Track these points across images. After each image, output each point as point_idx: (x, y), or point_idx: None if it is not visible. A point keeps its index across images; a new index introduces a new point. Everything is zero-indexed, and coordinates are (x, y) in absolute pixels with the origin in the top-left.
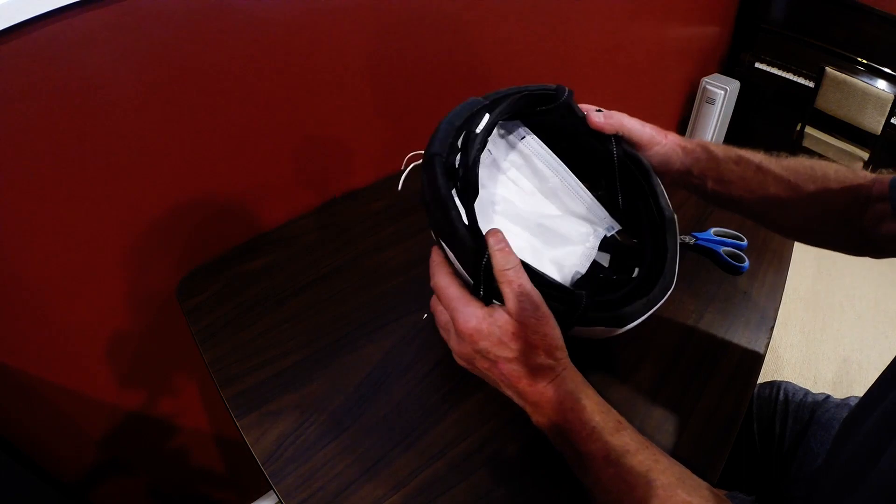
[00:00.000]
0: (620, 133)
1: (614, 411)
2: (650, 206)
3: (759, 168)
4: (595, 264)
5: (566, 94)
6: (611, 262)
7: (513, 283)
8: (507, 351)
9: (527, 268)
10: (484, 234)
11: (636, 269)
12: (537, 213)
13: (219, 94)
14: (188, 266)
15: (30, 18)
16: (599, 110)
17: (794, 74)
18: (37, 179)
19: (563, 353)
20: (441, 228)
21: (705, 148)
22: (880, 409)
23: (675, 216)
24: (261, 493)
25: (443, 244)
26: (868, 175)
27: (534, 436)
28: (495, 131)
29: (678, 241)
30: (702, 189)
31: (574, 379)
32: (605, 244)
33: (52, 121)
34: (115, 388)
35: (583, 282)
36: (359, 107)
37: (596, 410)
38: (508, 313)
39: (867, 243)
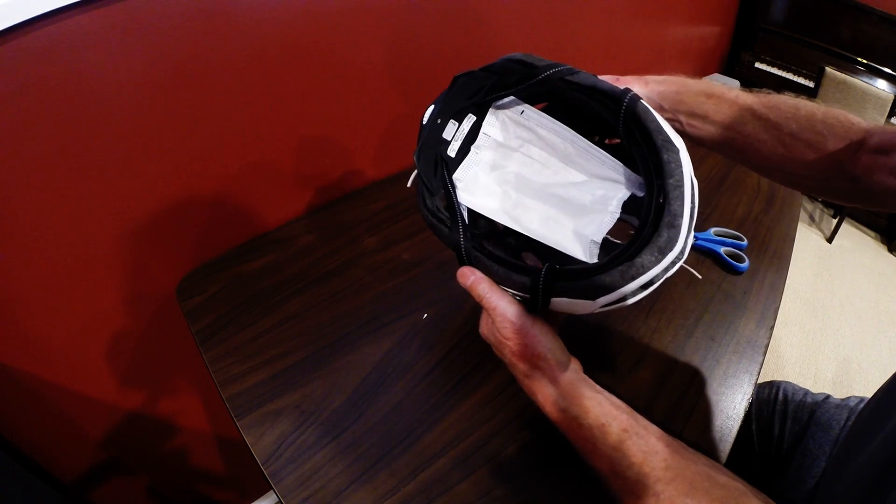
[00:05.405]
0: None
1: (621, 416)
2: (641, 145)
3: (733, 103)
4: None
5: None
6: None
7: (489, 306)
8: (503, 357)
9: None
10: (457, 206)
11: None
12: (557, 184)
13: (219, 94)
14: (188, 266)
15: (30, 18)
16: None
17: (794, 74)
18: (37, 179)
19: (547, 363)
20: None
21: (677, 81)
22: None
23: (683, 147)
24: (261, 493)
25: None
26: (861, 122)
27: (533, 435)
28: (497, 112)
29: (688, 182)
30: (677, 128)
31: (570, 388)
32: (636, 207)
33: (52, 121)
34: (115, 388)
35: (601, 252)
36: (359, 107)
37: (594, 425)
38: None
39: (858, 192)
